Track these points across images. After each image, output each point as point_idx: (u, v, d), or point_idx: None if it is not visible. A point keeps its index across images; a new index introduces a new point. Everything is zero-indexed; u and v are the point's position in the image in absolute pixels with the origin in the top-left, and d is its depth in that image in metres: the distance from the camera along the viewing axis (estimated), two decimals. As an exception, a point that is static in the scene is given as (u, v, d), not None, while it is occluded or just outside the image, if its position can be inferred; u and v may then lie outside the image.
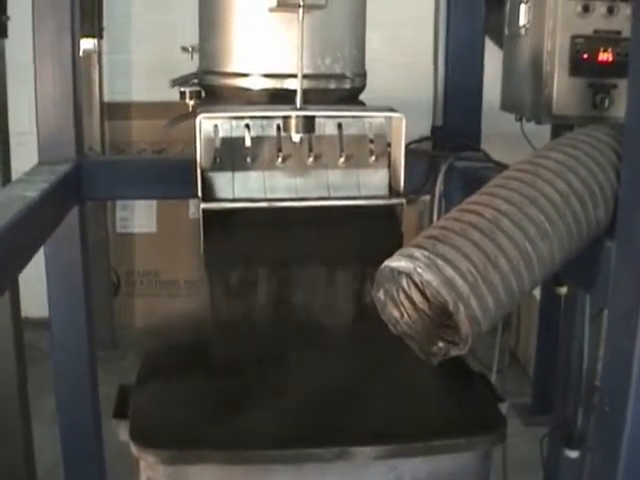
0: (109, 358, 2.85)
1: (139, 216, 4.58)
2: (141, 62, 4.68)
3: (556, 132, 2.38)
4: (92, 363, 2.38)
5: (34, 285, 2.59)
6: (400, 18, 4.55)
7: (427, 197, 2.59)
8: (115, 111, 4.50)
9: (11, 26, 2.79)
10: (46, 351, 3.36)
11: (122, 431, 1.41)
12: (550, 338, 3.34)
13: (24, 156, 2.50)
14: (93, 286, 2.40)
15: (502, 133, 2.79)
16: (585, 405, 2.56)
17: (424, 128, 2.53)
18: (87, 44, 4.07)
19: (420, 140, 2.47)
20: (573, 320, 2.61)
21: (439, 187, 2.28)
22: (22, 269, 1.69)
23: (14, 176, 2.69)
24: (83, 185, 2.24)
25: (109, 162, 2.65)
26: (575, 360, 2.59)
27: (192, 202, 4.29)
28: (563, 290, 2.71)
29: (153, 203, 4.53)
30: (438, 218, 2.24)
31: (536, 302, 3.77)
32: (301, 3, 1.75)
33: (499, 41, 2.74)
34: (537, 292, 3.66)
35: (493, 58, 2.64)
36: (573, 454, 2.55)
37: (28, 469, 2.86)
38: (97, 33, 4.24)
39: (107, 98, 4.48)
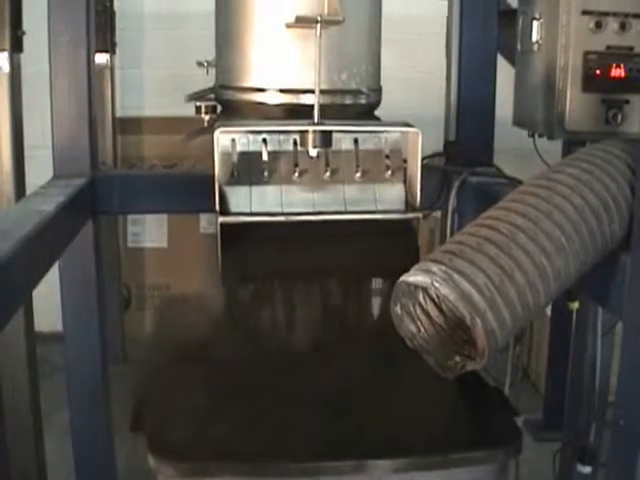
0: (120, 372, 2.84)
1: (150, 231, 4.58)
2: (153, 77, 4.69)
3: (568, 148, 2.38)
4: (105, 377, 2.38)
5: (45, 299, 2.59)
6: (412, 35, 4.58)
7: (438, 213, 2.60)
8: (127, 126, 4.51)
9: (25, 40, 2.80)
10: (56, 365, 3.37)
11: (139, 444, 1.42)
12: (561, 353, 3.32)
13: (36, 170, 2.51)
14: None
15: (514, 148, 2.80)
16: (598, 420, 2.55)
17: (436, 144, 2.54)
18: (100, 59, 4.07)
19: (432, 156, 2.48)
20: (585, 335, 2.61)
21: (452, 202, 2.28)
22: (38, 283, 1.70)
23: (27, 190, 2.70)
24: (97, 199, 2.25)
25: (123, 176, 2.66)
26: (587, 375, 2.59)
27: (204, 217, 4.30)
28: (575, 305, 2.70)
29: (164, 218, 4.53)
30: (451, 234, 2.24)
31: (547, 318, 3.76)
32: (319, 19, 1.77)
33: (510, 57, 2.74)
34: (548, 308, 3.66)
35: (504, 74, 2.65)
36: (586, 470, 2.54)
37: (40, 483, 2.86)
38: (110, 48, 4.25)
39: (119, 113, 4.49)
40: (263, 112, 1.98)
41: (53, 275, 2.15)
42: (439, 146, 2.56)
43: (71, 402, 2.36)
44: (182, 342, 1.84)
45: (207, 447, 1.40)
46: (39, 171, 2.29)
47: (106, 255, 3.14)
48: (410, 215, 1.95)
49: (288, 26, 1.88)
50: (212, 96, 2.18)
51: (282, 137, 1.94)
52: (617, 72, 2.19)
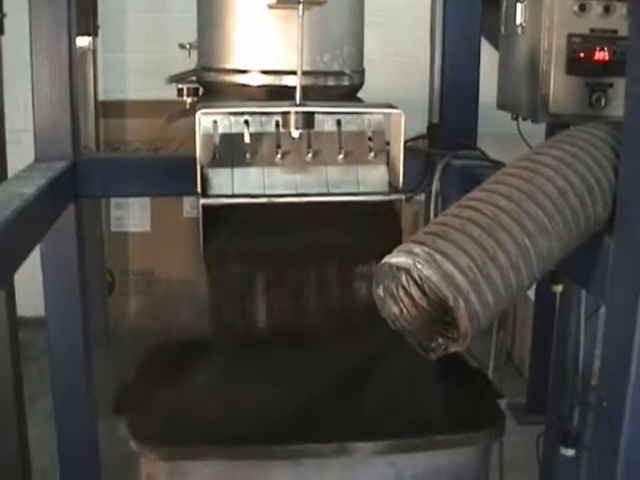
0: (103, 357, 2.84)
1: (133, 215, 4.57)
2: (136, 60, 4.67)
3: (552, 132, 2.38)
4: (88, 361, 2.37)
5: (28, 284, 2.58)
6: (396, 18, 4.57)
7: (422, 197, 2.59)
8: (110, 109, 4.49)
9: (6, 23, 2.78)
10: (41, 350, 3.35)
11: (121, 427, 1.41)
12: (545, 337, 3.34)
13: (19, 154, 2.49)
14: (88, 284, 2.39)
15: (496, 133, 2.80)
16: (581, 403, 2.56)
17: (419, 127, 2.53)
18: (82, 42, 4.04)
19: (416, 138, 2.47)
20: (568, 318, 2.61)
21: (436, 185, 2.27)
22: (19, 267, 1.68)
23: (9, 174, 2.68)
24: (79, 182, 2.24)
25: (105, 160, 2.64)
26: (570, 358, 2.60)
27: (187, 201, 4.29)
28: (559, 288, 2.71)
29: (147, 202, 4.52)
30: (435, 216, 2.23)
31: (530, 301, 3.78)
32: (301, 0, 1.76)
33: (494, 41, 2.74)
34: (532, 291, 3.67)
35: (488, 58, 2.64)
36: (569, 452, 2.56)
37: (24, 469, 2.85)
38: (92, 31, 4.22)
39: (102, 96, 4.47)
40: (245, 94, 1.97)
41: (37, 260, 2.14)
42: (423, 129, 2.55)
43: (54, 386, 2.36)
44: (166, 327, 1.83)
45: (189, 430, 1.39)
46: (24, 154, 2.27)
47: (89, 239, 3.14)
48: (393, 197, 1.95)
49: (270, 7, 1.87)
50: (194, 78, 2.17)
51: (264, 118, 1.93)
52: (601, 55, 2.19)
